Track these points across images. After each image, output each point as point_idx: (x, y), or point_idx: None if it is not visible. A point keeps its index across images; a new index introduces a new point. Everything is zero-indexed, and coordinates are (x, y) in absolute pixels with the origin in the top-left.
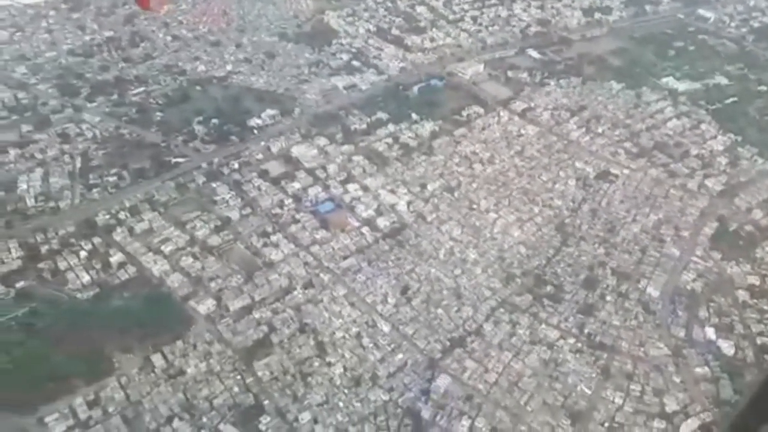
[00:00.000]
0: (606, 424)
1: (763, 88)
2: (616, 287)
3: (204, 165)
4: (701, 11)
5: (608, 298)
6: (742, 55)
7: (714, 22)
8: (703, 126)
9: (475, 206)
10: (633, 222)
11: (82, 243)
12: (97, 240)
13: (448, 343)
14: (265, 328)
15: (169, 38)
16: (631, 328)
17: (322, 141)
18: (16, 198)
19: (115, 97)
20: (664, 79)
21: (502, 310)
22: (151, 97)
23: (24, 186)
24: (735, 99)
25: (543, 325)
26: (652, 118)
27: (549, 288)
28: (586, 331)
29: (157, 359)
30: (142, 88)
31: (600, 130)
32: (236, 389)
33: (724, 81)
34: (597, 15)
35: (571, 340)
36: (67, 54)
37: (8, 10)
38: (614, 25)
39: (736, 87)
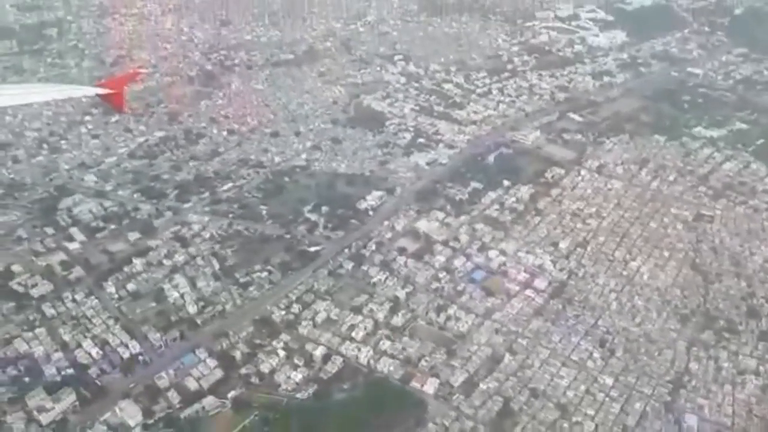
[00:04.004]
0: None
1: None
2: None
3: (346, 251)
4: (690, 69)
5: None
6: (743, 103)
7: (704, 76)
8: (753, 165)
9: (611, 258)
10: (752, 254)
11: (273, 342)
12: (285, 337)
13: (670, 386)
14: (499, 398)
15: (224, 133)
16: None
17: (438, 214)
18: (173, 307)
19: (206, 195)
20: (695, 129)
21: (695, 348)
22: (245, 192)
23: (175, 294)
24: (763, 140)
25: (740, 357)
26: (707, 163)
27: (722, 322)
28: None
29: None
30: (230, 184)
31: (671, 178)
32: None
33: (743, 126)
34: (606, 78)
35: None
36: (128, 157)
37: (40, 120)
38: (624, 86)
39: (756, 130)
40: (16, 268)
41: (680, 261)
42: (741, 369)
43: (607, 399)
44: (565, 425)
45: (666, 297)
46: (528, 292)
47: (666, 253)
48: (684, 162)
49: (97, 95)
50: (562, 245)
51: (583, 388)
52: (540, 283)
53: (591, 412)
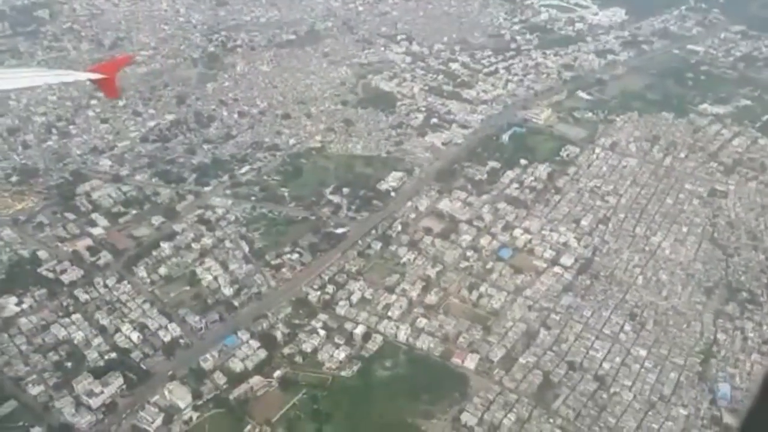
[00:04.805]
0: None
1: None
2: None
3: (372, 231)
4: (690, 46)
5: None
6: (745, 80)
7: (704, 54)
8: (761, 141)
9: (632, 234)
10: (767, 228)
11: (312, 322)
12: (323, 317)
13: (701, 357)
14: (538, 371)
15: (235, 115)
16: None
17: (460, 194)
18: (208, 290)
19: (225, 178)
20: (701, 106)
21: (720, 320)
22: (264, 175)
23: (208, 277)
24: None
25: (764, 327)
26: (716, 139)
27: (744, 294)
28: None
29: (465, 418)
30: (247, 167)
31: (683, 155)
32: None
33: (748, 103)
34: (609, 56)
35: None
36: (140, 141)
37: (45, 105)
38: (627, 64)
39: (760, 106)
40: (42, 254)
41: (699, 236)
42: (766, 338)
43: (642, 370)
44: (604, 396)
45: (689, 271)
46: (556, 268)
47: (684, 229)
48: (693, 138)
49: (90, 80)
50: (584, 222)
51: (618, 360)
52: (566, 259)
53: (628, 382)
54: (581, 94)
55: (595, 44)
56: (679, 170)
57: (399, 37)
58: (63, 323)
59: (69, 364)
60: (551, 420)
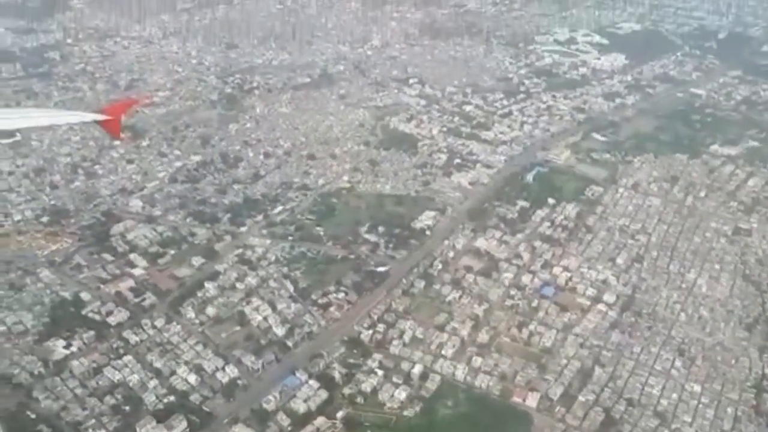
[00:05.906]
0: None
1: None
2: None
3: (414, 270)
4: (693, 89)
5: None
6: (749, 122)
7: (706, 97)
8: None
9: (667, 271)
10: None
11: (368, 361)
12: (378, 356)
13: (754, 390)
14: (599, 408)
15: (261, 156)
16: None
17: (494, 233)
18: (259, 330)
19: (260, 218)
20: (712, 147)
21: (766, 355)
22: (297, 214)
23: (258, 317)
24: None
25: None
26: (732, 180)
27: None
28: None
29: None
30: (280, 207)
31: (702, 194)
32: None
33: (756, 144)
34: (617, 100)
35: None
36: (169, 182)
37: (69, 146)
38: (635, 107)
39: (767, 148)
40: (84, 295)
41: (732, 273)
42: None
43: (699, 406)
44: (665, 431)
45: (728, 307)
46: (600, 306)
47: (717, 266)
48: (710, 179)
49: (96, 122)
50: (620, 260)
51: (674, 396)
52: (609, 297)
53: (688, 418)
54: (596, 135)
55: (601, 87)
56: (701, 209)
57: (411, 81)
58: (116, 366)
59: (127, 408)
60: None
